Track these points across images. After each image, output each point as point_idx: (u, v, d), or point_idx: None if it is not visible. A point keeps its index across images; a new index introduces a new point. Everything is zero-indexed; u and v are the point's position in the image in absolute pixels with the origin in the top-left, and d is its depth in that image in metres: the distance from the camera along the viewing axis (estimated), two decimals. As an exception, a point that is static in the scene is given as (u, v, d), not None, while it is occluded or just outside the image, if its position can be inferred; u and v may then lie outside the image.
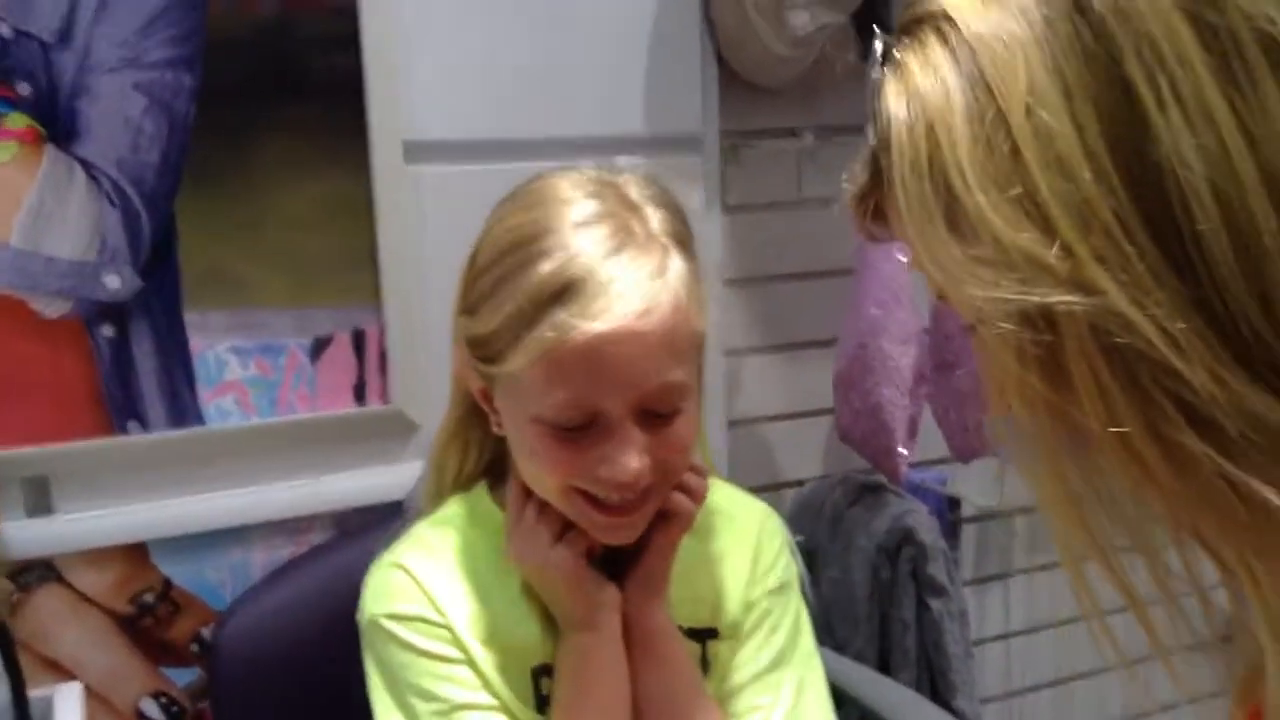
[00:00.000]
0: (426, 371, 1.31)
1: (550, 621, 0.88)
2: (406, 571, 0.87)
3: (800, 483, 1.66)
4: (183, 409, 1.22)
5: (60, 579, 1.20)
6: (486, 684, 0.85)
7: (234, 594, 1.25)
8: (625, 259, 0.77)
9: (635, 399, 0.79)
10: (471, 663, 0.85)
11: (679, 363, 0.80)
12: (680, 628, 0.89)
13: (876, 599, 1.51)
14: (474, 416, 0.90)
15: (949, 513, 1.72)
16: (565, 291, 0.76)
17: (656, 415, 0.81)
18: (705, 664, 0.90)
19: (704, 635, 0.91)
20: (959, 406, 1.59)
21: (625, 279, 0.76)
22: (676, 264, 0.79)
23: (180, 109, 1.17)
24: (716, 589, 0.92)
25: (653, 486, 0.83)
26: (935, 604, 1.50)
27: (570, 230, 0.78)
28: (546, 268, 0.76)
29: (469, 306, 0.83)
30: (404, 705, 0.85)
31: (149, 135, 1.16)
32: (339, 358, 1.28)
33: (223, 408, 1.24)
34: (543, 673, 0.87)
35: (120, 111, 1.15)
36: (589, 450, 0.80)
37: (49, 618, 1.19)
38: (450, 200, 1.31)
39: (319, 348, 1.27)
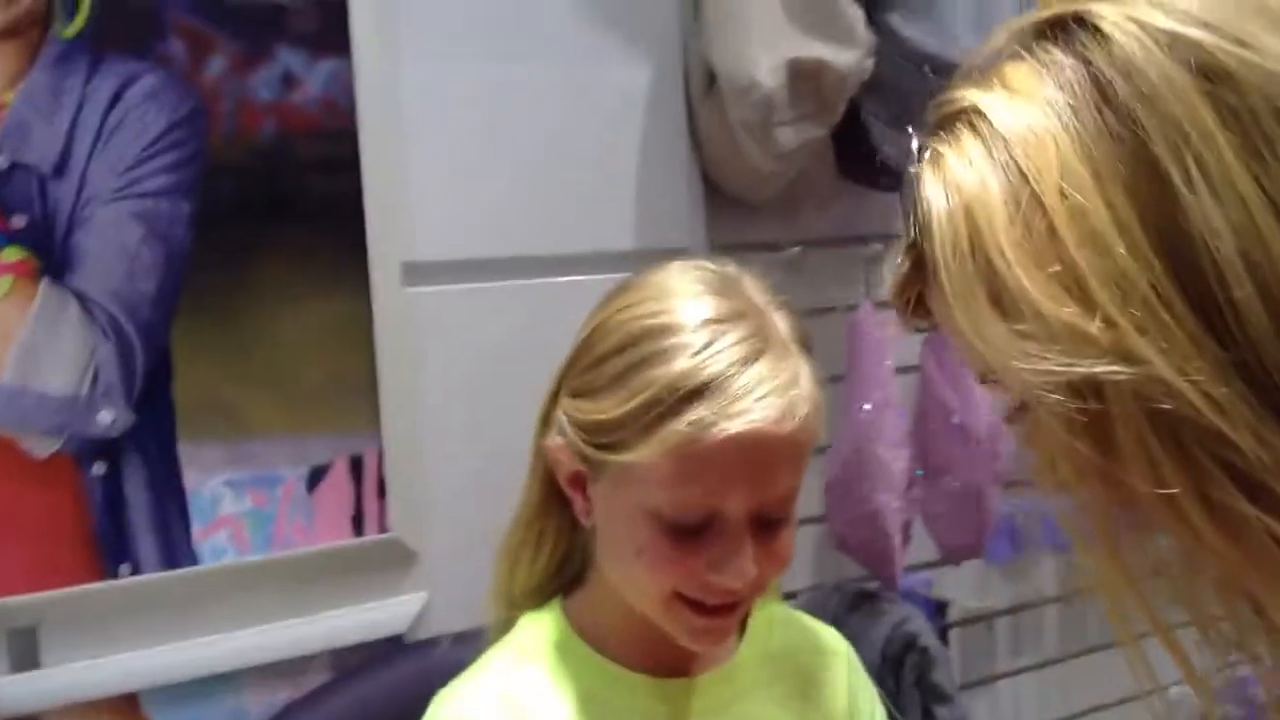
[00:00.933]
0: (425, 498, 1.28)
1: None
2: (513, 700, 0.83)
3: (793, 594, 1.63)
4: (175, 548, 1.16)
5: (45, 736, 1.12)
6: None
7: (230, 744, 1.18)
8: (765, 363, 0.78)
9: (757, 504, 0.79)
10: None
11: (800, 471, 0.81)
12: None
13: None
14: (552, 506, 0.88)
15: (937, 617, 1.71)
16: (706, 389, 0.76)
17: (768, 522, 0.80)
18: None
19: None
20: (950, 510, 1.59)
21: (767, 383, 0.77)
22: (806, 371, 0.81)
23: (178, 236, 1.14)
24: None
25: (748, 596, 0.82)
26: (941, 712, 1.48)
27: (707, 327, 0.78)
28: (687, 362, 0.77)
29: (584, 390, 0.82)
30: None
31: (145, 264, 1.13)
32: (337, 486, 1.24)
33: (216, 545, 1.18)
34: None
35: (117, 241, 1.11)
36: (700, 552, 0.79)
37: (33, 779, 1.11)
38: (448, 321, 1.29)
39: (316, 477, 1.23)
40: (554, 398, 0.87)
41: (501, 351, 1.30)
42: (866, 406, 1.50)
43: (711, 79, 1.41)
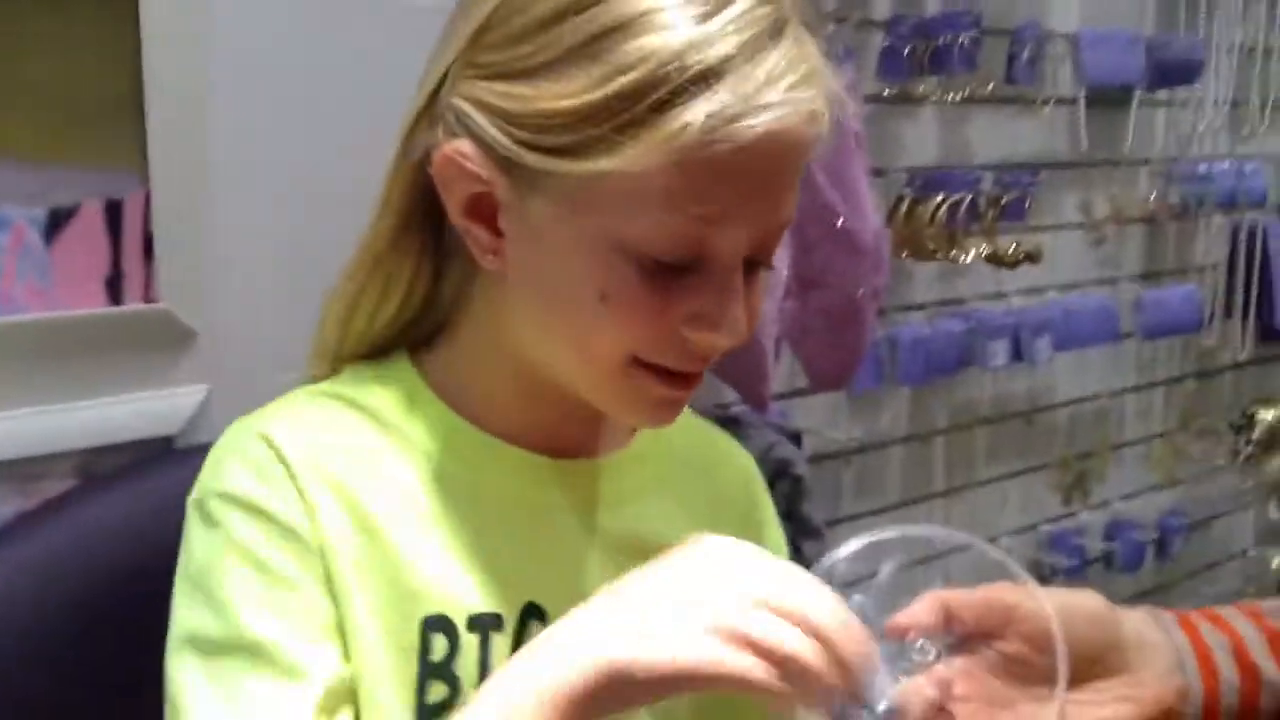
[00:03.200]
0: (209, 261, 0.99)
1: (494, 567, 0.65)
2: (270, 445, 0.64)
3: (640, 418, 1.44)
4: None
5: None
6: (350, 634, 0.63)
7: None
8: (791, 41, 0.58)
9: (760, 235, 0.62)
10: (336, 596, 0.63)
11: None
12: None
13: (746, 545, 1.31)
14: (411, 241, 0.66)
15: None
16: (725, 69, 0.56)
17: (752, 264, 0.63)
18: None
19: None
20: (821, 330, 1.42)
21: (798, 67, 0.58)
22: (825, 62, 0.61)
23: None
24: None
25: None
26: (809, 547, 1.31)
27: None
28: (694, 30, 0.56)
29: (515, 68, 0.59)
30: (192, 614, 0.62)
31: None
32: (86, 237, 0.93)
33: (-90, 302, 0.86)
34: (438, 627, 0.64)
35: None
36: (683, 299, 0.60)
37: None
38: (251, 29, 0.99)
39: (56, 222, 0.92)
40: (438, 87, 0.62)
41: (319, 75, 1.01)
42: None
43: None
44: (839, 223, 1.36)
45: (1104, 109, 1.87)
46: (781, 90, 0.57)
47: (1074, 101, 1.79)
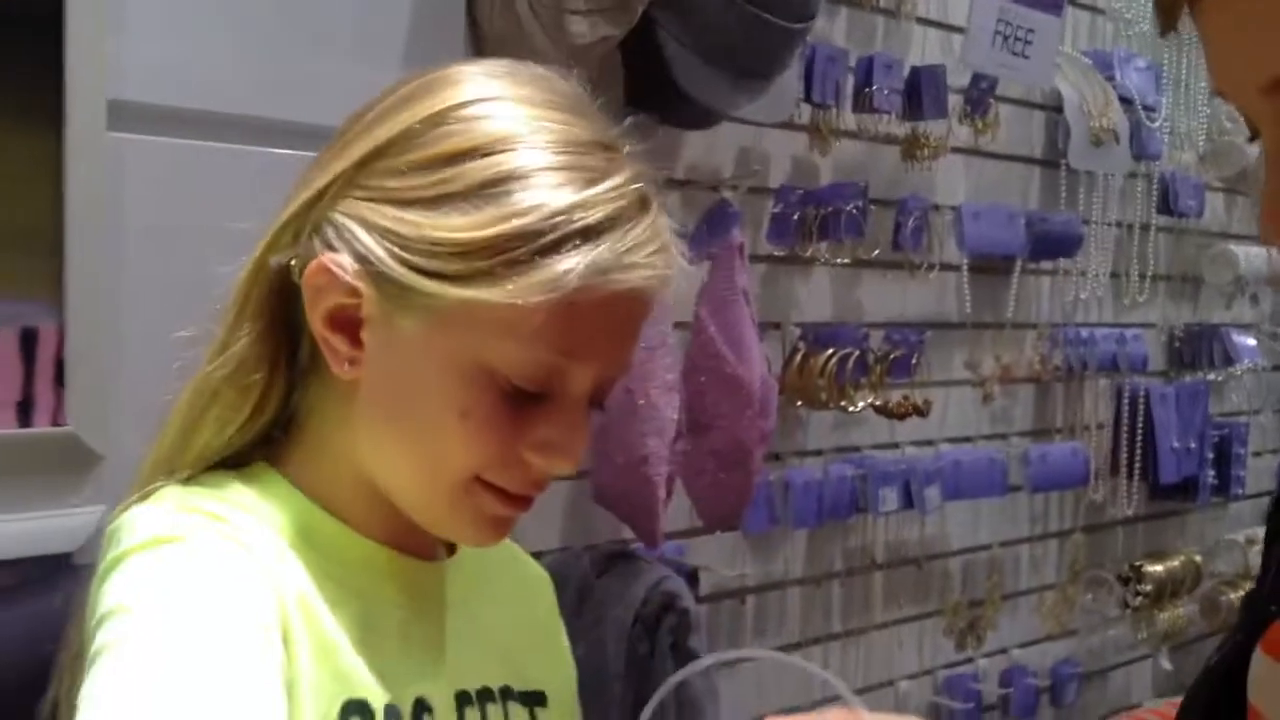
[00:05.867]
0: (116, 388, 1.04)
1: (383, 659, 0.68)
2: (198, 511, 0.64)
3: (538, 555, 1.48)
4: None
5: None
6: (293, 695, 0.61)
7: None
8: (657, 212, 0.68)
9: (607, 374, 0.69)
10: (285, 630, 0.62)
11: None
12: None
13: (633, 677, 1.35)
14: (269, 352, 0.68)
15: (691, 587, 1.60)
16: (604, 228, 0.64)
17: (594, 403, 0.69)
18: None
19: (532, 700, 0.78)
20: (711, 471, 1.49)
21: (662, 235, 0.67)
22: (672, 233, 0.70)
23: None
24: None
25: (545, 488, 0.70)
26: (697, 681, 1.36)
27: (595, 152, 0.66)
28: (583, 192, 0.64)
29: (410, 196, 0.65)
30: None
31: None
32: (1, 363, 0.99)
33: None
34: (356, 712, 0.65)
35: None
36: (532, 425, 0.66)
37: None
38: (156, 176, 1.07)
39: (-27, 348, 0.98)
40: (313, 202, 0.67)
41: (217, 222, 1.08)
42: (641, 355, 1.37)
43: (499, -44, 1.27)
44: (727, 369, 1.45)
45: (988, 275, 2.00)
46: (646, 254, 0.65)
47: (958, 268, 1.92)
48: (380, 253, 0.64)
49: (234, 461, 0.71)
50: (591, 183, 0.64)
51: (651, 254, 0.66)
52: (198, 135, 1.10)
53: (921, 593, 1.98)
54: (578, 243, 0.63)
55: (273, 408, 0.70)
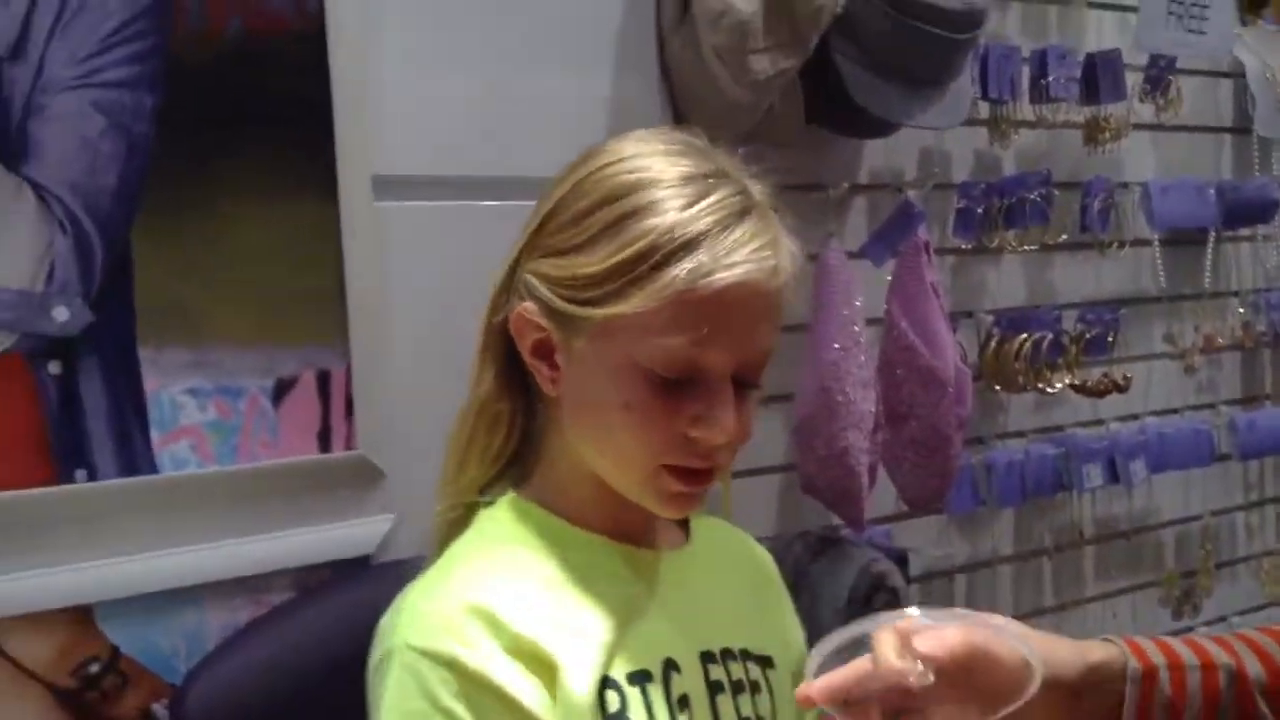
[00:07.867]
0: (394, 416, 1.24)
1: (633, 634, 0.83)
2: (487, 615, 0.78)
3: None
4: (134, 455, 1.11)
5: (-8, 650, 1.06)
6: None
7: (187, 662, 1.12)
8: (753, 220, 0.80)
9: (739, 360, 0.80)
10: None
11: (776, 332, 0.82)
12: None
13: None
14: (507, 391, 0.86)
15: (900, 569, 1.70)
16: (702, 239, 0.77)
17: (741, 384, 0.81)
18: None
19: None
20: (913, 457, 1.59)
21: (759, 238, 0.79)
22: (787, 236, 0.83)
23: (140, 131, 1.10)
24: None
25: (723, 463, 0.82)
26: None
27: (693, 182, 0.79)
28: (681, 214, 0.78)
29: (562, 248, 0.81)
30: None
31: (106, 157, 1.08)
32: (303, 401, 1.20)
33: (177, 455, 1.13)
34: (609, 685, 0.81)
35: (76, 131, 1.07)
36: (684, 407, 0.79)
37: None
38: (417, 237, 1.26)
39: (281, 390, 1.19)
40: (514, 267, 0.85)
41: (468, 271, 1.26)
42: (836, 346, 1.49)
43: (684, 8, 1.41)
44: (921, 361, 1.55)
45: (1183, 248, 2.02)
46: (746, 253, 0.78)
47: (1150, 243, 1.95)
48: (548, 294, 0.81)
49: (498, 487, 0.88)
50: (690, 204, 0.78)
51: (753, 252, 0.78)
52: (450, 197, 1.29)
53: (1133, 565, 2.01)
54: (681, 254, 0.77)
55: (518, 433, 0.87)
